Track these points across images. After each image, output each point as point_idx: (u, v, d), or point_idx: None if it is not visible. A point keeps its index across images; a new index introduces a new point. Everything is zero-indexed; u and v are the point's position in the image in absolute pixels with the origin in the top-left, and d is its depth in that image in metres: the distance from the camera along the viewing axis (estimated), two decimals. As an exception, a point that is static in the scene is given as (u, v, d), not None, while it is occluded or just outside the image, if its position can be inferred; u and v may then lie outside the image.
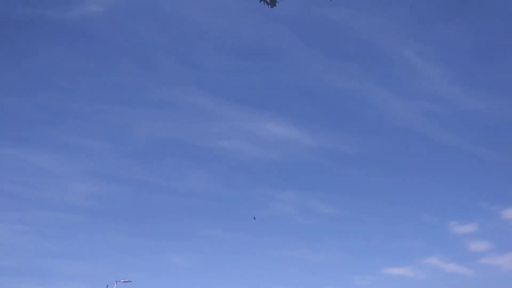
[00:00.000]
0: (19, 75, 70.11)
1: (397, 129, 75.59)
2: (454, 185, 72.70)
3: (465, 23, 72.38)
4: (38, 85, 71.32)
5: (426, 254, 66.23)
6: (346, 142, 75.57)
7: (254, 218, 52.76)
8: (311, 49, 75.58)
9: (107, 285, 36.82)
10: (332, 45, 75.34)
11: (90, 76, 72.17)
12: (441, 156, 75.60)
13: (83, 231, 62.97)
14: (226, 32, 72.09)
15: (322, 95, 77.46)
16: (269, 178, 72.48)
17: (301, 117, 78.48)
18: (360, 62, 76.54)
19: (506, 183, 70.85)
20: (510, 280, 62.30)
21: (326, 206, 69.12)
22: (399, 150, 76.27)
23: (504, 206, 66.51)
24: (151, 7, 68.34)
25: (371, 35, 72.65)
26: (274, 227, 68.45)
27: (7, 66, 68.31)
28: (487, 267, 62.34)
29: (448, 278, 61.46)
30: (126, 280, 36.17)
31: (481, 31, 72.75)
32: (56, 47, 71.00)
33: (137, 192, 68.25)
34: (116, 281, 36.77)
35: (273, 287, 63.78)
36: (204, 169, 72.64)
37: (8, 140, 67.71)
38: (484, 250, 66.55)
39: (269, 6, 8.65)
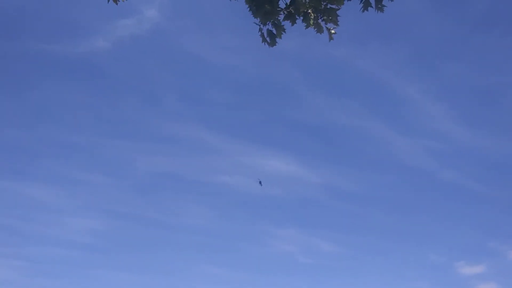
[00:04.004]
0: (20, 108, 70.65)
1: (401, 167, 74.95)
2: (461, 224, 71.36)
3: (468, 62, 72.99)
4: (40, 119, 71.73)
5: (433, 297, 64.17)
6: (349, 179, 74.85)
7: (260, 183, 46.87)
8: (314, 86, 75.97)
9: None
10: (334, 82, 75.73)
11: (92, 110, 72.53)
12: (446, 195, 74.60)
13: (81, 267, 61.68)
14: (229, 68, 72.79)
15: (325, 132, 77.34)
16: (270, 215, 71.54)
17: (304, 153, 78.14)
18: (363, 99, 76.77)
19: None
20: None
21: (329, 244, 67.70)
22: (403, 188, 75.41)
23: (512, 246, 64.93)
24: (156, 43, 69.44)
25: (374, 73, 73.02)
26: (274, 265, 66.99)
27: (10, 98, 68.93)
28: (496, 310, 60.11)
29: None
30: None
31: (484, 69, 73.27)
32: (59, 82, 71.53)
33: (137, 227, 67.34)
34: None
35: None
36: (205, 204, 71.89)
37: (7, 173, 67.33)
38: (492, 292, 64.39)
39: (269, 45, 8.55)
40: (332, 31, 8.35)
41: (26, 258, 60.95)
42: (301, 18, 8.23)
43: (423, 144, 72.85)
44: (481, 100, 74.90)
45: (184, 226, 69.29)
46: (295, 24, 8.34)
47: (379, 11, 8.26)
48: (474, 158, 73.62)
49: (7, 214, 62.54)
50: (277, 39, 8.49)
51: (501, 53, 69.58)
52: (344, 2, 8.08)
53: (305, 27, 8.26)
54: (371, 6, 8.27)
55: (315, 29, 8.27)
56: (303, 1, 8.06)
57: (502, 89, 71.82)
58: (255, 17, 8.28)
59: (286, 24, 8.43)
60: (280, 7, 8.27)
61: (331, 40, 8.39)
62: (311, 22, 8.15)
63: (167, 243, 68.10)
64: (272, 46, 8.51)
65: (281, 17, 8.35)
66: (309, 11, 8.13)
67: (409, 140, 73.68)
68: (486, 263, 64.05)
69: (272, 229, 69.00)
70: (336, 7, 8.09)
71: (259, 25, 8.39)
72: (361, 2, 8.23)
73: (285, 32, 8.43)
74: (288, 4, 8.23)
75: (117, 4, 8.04)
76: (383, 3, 8.27)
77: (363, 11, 8.23)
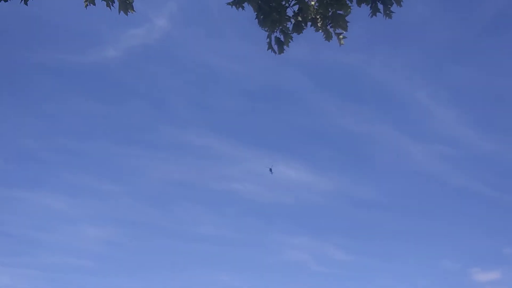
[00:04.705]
0: (33, 117, 71.43)
1: (413, 172, 74.31)
2: (475, 230, 70.24)
3: (478, 66, 72.39)
4: (52, 128, 72.43)
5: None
6: (361, 186, 74.34)
7: (271, 170, 45.52)
8: (324, 92, 75.87)
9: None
10: (345, 88, 75.57)
11: (104, 119, 73.19)
12: (459, 200, 73.70)
13: (95, 276, 61.80)
14: (240, 75, 73.02)
15: (336, 138, 77.04)
16: (282, 222, 71.11)
17: (315, 160, 77.87)
18: (374, 105, 76.45)
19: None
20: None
21: (342, 252, 67.04)
22: (415, 194, 74.67)
23: (528, 253, 63.81)
24: (167, 52, 69.85)
25: (384, 78, 72.76)
26: (286, 273, 66.41)
27: (23, 108, 69.76)
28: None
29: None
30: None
31: (494, 73, 72.60)
32: (72, 91, 72.51)
33: (149, 237, 67.38)
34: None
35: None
36: (217, 213, 71.81)
37: (21, 182, 68.06)
38: (508, 299, 63.22)
39: (276, 53, 8.51)
40: (341, 37, 8.31)
41: (40, 267, 61.24)
42: (309, 23, 8.20)
43: (435, 149, 72.26)
44: (492, 104, 74.19)
45: (195, 235, 69.18)
46: (304, 30, 8.31)
47: (387, 18, 8.21)
48: (487, 163, 72.79)
49: (21, 224, 63.03)
50: (285, 47, 8.45)
51: (511, 56, 68.95)
52: (352, 8, 8.05)
53: (314, 30, 8.24)
54: (380, 12, 8.23)
55: (324, 36, 8.24)
56: (311, 8, 8.03)
57: (514, 93, 71.04)
58: (262, 27, 8.23)
59: (294, 33, 8.40)
60: (287, 15, 8.24)
61: (342, 45, 8.35)
62: (319, 27, 8.12)
63: (180, 251, 68.08)
64: (280, 53, 8.46)
65: (289, 25, 8.32)
66: (317, 17, 8.10)
67: (420, 146, 73.13)
68: (501, 270, 63.00)
69: (284, 236, 68.61)
70: (344, 13, 8.06)
71: (268, 32, 8.35)
72: (370, 8, 8.19)
73: (292, 40, 8.39)
74: (296, 11, 8.21)
75: (127, 15, 8.12)
76: (392, 9, 8.22)
77: (371, 16, 8.18)
